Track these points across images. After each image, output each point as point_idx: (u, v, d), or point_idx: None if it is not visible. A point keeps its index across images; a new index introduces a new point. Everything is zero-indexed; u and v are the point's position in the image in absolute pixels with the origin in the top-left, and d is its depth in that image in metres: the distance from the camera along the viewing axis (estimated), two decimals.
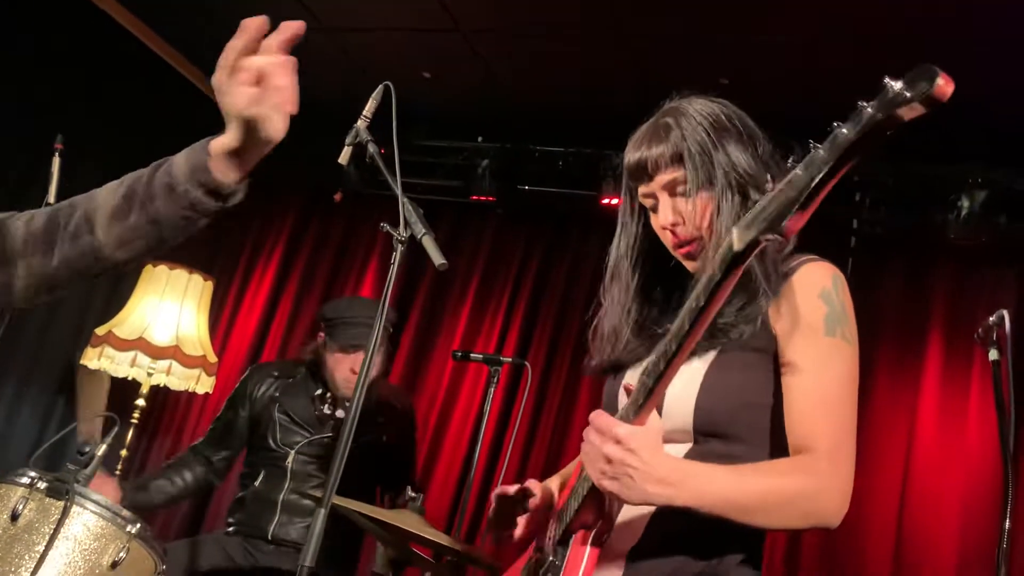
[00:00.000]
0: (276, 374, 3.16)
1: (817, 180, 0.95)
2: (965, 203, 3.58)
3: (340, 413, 3.04)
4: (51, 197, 2.90)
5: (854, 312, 1.42)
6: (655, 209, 1.50)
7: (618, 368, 1.61)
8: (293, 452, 2.98)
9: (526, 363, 3.24)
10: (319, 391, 3.08)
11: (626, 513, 1.40)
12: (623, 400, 1.45)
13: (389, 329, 3.11)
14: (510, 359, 3.16)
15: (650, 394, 1.20)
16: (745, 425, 1.39)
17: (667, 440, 1.42)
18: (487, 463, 4.08)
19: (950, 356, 3.59)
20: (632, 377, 1.53)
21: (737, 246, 1.05)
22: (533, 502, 1.58)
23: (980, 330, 2.05)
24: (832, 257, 1.48)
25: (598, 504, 1.36)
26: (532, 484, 1.61)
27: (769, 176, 1.42)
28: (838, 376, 1.35)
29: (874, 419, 3.57)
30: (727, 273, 1.08)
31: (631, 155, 1.51)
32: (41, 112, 3.89)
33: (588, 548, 1.34)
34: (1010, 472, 1.87)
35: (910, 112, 0.88)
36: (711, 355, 1.40)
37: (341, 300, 3.32)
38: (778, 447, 1.38)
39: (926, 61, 0.89)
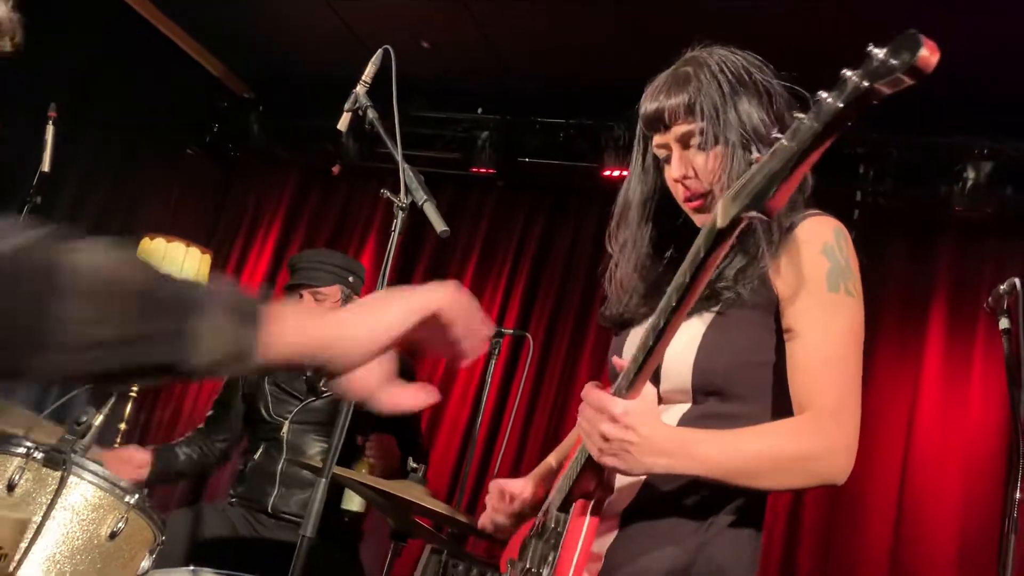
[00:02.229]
0: None
1: (802, 151, 0.90)
2: (970, 174, 3.55)
3: None
4: (45, 165, 2.85)
5: (859, 267, 1.39)
6: (668, 160, 1.47)
7: (624, 325, 1.58)
8: (287, 422, 2.97)
9: (527, 334, 3.22)
10: None
11: (622, 476, 1.39)
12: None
13: (347, 278, 3.08)
14: (511, 331, 3.14)
15: (641, 368, 1.19)
16: (745, 384, 1.37)
17: (666, 400, 1.41)
18: (488, 434, 4.07)
19: (953, 327, 3.57)
20: (636, 337, 1.51)
21: (720, 223, 1.01)
22: (523, 500, 1.60)
23: (990, 299, 2.01)
24: None
25: (597, 472, 1.35)
26: (518, 488, 1.62)
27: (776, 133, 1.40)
28: (842, 332, 1.34)
29: (877, 390, 3.55)
30: (712, 250, 1.04)
31: (648, 104, 1.47)
32: (34, 81, 3.84)
33: (588, 518, 1.34)
34: (1021, 441, 1.85)
35: (894, 84, 0.84)
36: (710, 314, 1.38)
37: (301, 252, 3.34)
38: (781, 405, 1.37)
39: (931, 28, 0.85)
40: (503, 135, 4.35)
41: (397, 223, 1.90)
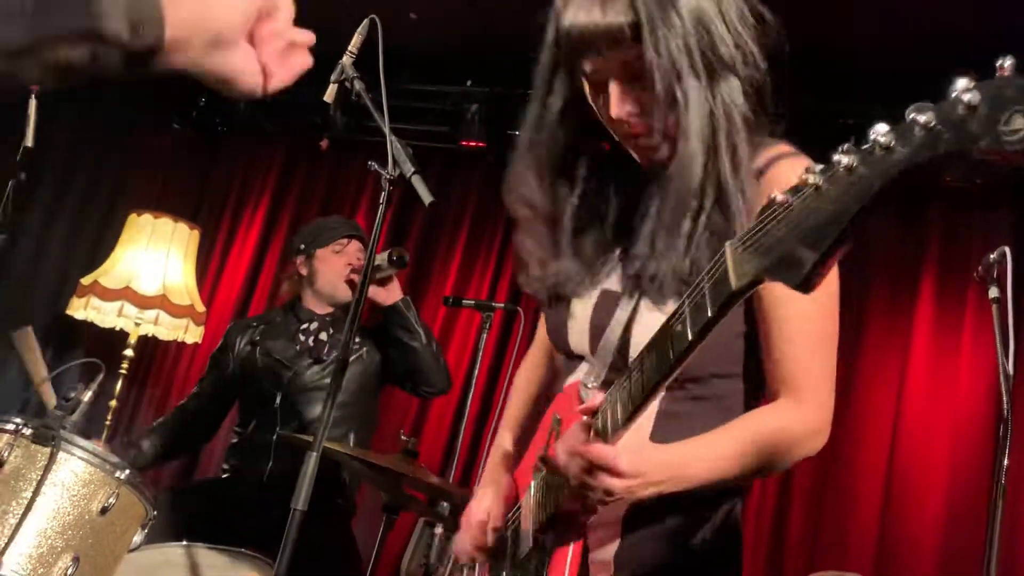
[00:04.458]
0: (255, 324, 3.14)
1: (856, 211, 0.71)
2: None
3: (324, 336, 3.01)
4: (28, 140, 2.81)
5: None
6: (600, 90, 1.23)
7: (560, 298, 1.39)
8: (280, 393, 2.95)
9: (519, 308, 3.21)
10: (302, 325, 3.05)
11: None
12: (584, 371, 1.35)
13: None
14: (502, 305, 3.13)
15: (630, 419, 1.09)
16: (718, 363, 1.31)
17: None
18: (480, 409, 4.07)
19: (943, 297, 3.58)
20: (581, 308, 1.37)
21: (735, 284, 0.85)
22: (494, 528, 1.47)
23: (980, 268, 2.01)
24: None
25: (582, 498, 1.22)
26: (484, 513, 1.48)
27: (743, 58, 1.18)
28: (817, 300, 1.22)
29: (866, 361, 3.57)
30: (721, 312, 0.90)
31: (571, 18, 1.20)
32: None
33: (572, 545, 1.25)
34: (1008, 409, 1.86)
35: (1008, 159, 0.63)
36: (671, 304, 1.23)
37: (311, 221, 3.35)
38: (754, 371, 1.31)
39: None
40: (492, 108, 4.31)
41: (385, 196, 1.89)
